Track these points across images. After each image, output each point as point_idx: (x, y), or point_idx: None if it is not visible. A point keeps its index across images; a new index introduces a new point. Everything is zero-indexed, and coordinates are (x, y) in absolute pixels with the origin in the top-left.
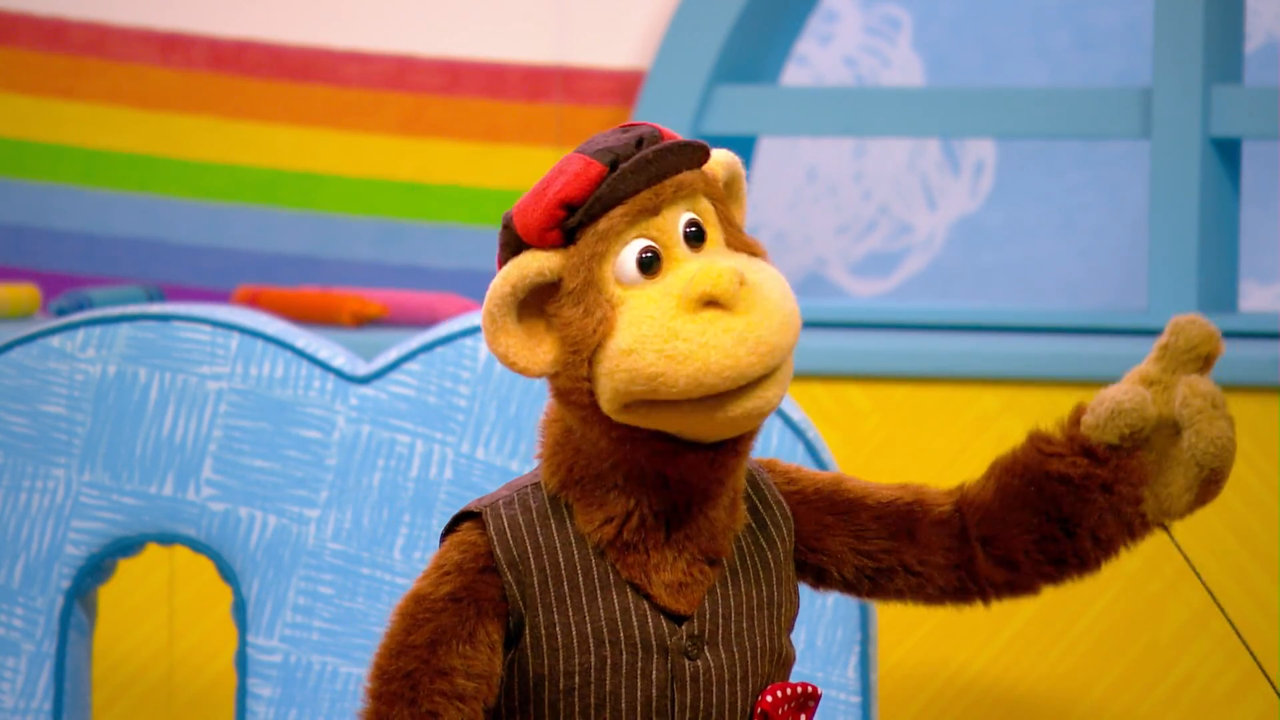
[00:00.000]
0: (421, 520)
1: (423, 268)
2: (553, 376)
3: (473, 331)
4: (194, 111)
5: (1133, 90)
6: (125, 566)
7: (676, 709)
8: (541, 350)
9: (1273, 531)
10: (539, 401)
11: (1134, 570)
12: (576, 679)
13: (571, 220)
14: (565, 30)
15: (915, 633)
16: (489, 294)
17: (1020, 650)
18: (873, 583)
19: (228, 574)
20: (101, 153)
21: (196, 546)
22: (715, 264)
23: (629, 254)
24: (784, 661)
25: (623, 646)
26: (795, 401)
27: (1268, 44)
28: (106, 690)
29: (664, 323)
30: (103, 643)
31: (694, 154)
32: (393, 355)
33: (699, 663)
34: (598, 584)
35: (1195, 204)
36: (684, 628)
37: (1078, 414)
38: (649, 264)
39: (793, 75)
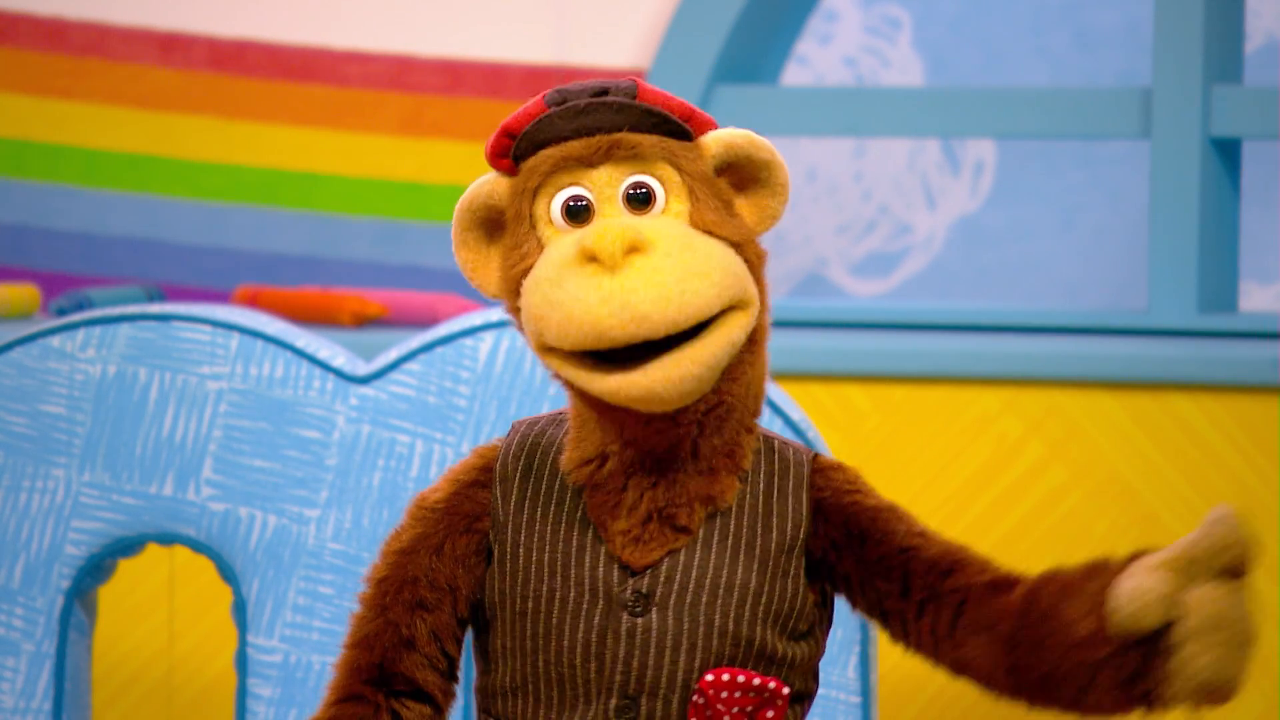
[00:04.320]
0: None
1: (423, 268)
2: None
3: (473, 331)
4: (194, 111)
5: (1133, 90)
6: (125, 566)
7: (610, 658)
8: (493, 271)
9: (1273, 531)
10: (539, 401)
11: None
12: (529, 604)
13: (513, 150)
14: (565, 30)
15: None
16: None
17: None
18: (868, 614)
19: (228, 574)
20: (101, 153)
21: (196, 546)
22: (612, 223)
23: (559, 200)
24: (760, 653)
25: (571, 584)
26: (795, 401)
27: (1268, 44)
28: (106, 690)
29: (558, 268)
30: (103, 643)
31: (636, 117)
32: (393, 355)
33: (640, 620)
34: (565, 518)
35: (1195, 204)
36: (632, 582)
37: (1105, 584)
38: (576, 213)
39: (793, 75)
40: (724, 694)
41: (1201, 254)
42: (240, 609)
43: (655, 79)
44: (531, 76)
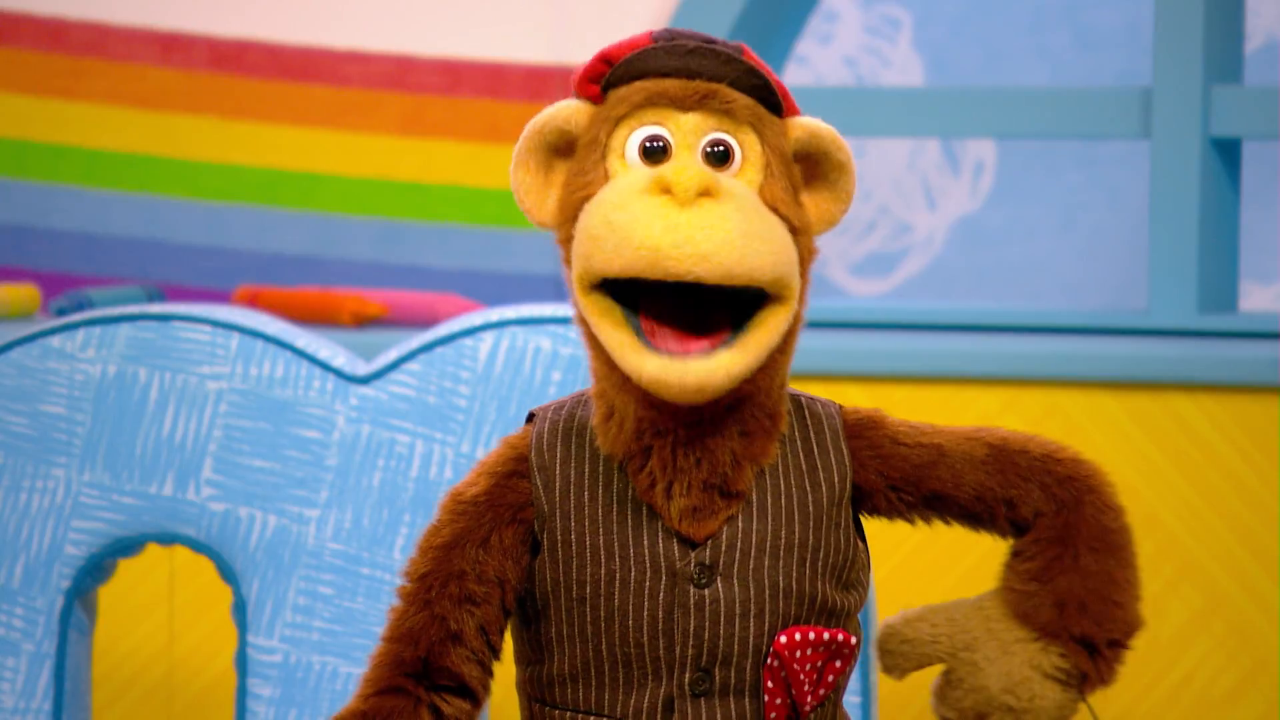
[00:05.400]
0: (421, 520)
1: (423, 268)
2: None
3: (473, 331)
4: (194, 111)
5: (1133, 90)
6: (125, 566)
7: (679, 633)
8: (549, 198)
9: (1273, 531)
10: (539, 402)
11: None
12: (588, 589)
13: (607, 77)
14: (565, 30)
15: None
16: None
17: None
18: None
19: (228, 574)
20: (101, 153)
21: (196, 546)
22: (692, 164)
23: (638, 136)
24: (821, 608)
25: (631, 563)
26: None
27: (1268, 44)
28: (106, 690)
29: (623, 195)
30: (103, 643)
31: (740, 73)
32: (393, 355)
33: (706, 591)
34: (615, 499)
35: (1195, 204)
36: (694, 554)
37: None
38: (652, 154)
39: (793, 75)
40: (798, 653)
41: (1201, 254)
42: (240, 609)
43: None
44: (531, 76)
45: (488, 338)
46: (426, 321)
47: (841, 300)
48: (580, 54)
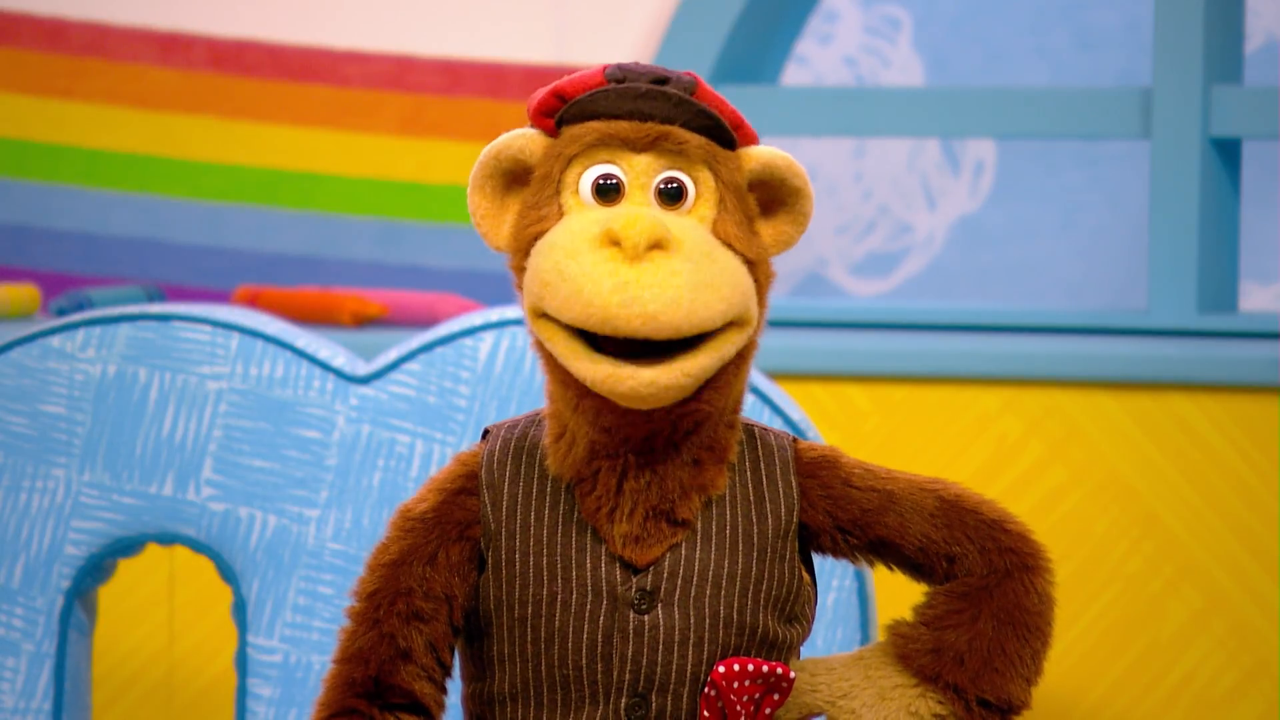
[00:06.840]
0: None
1: (423, 268)
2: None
3: (473, 331)
4: (194, 111)
5: (1133, 90)
6: (125, 566)
7: (618, 658)
8: (504, 224)
9: (1273, 531)
10: (539, 402)
11: (1134, 570)
12: (529, 609)
13: (560, 114)
14: (565, 30)
15: None
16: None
17: None
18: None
19: (228, 574)
20: (101, 153)
21: (196, 546)
22: (643, 213)
23: (590, 174)
24: (763, 639)
25: (573, 586)
26: (795, 401)
27: (1268, 44)
28: (106, 690)
29: (575, 241)
30: (103, 643)
31: (691, 114)
32: (393, 355)
33: (646, 617)
34: (560, 520)
35: (1195, 204)
36: (636, 579)
37: None
38: (605, 191)
39: (793, 75)
40: (735, 684)
41: (1201, 254)
42: (240, 609)
43: None
44: (531, 76)
45: (488, 338)
46: (426, 321)
47: (841, 300)
48: (580, 54)
